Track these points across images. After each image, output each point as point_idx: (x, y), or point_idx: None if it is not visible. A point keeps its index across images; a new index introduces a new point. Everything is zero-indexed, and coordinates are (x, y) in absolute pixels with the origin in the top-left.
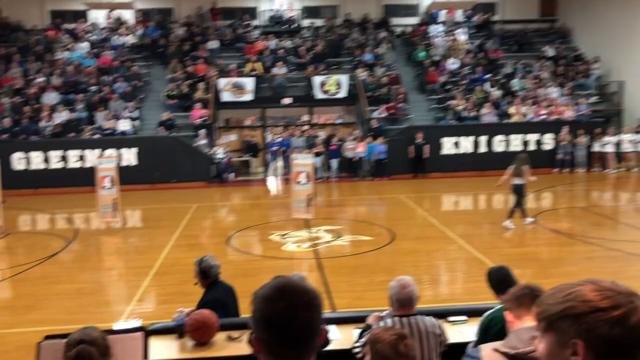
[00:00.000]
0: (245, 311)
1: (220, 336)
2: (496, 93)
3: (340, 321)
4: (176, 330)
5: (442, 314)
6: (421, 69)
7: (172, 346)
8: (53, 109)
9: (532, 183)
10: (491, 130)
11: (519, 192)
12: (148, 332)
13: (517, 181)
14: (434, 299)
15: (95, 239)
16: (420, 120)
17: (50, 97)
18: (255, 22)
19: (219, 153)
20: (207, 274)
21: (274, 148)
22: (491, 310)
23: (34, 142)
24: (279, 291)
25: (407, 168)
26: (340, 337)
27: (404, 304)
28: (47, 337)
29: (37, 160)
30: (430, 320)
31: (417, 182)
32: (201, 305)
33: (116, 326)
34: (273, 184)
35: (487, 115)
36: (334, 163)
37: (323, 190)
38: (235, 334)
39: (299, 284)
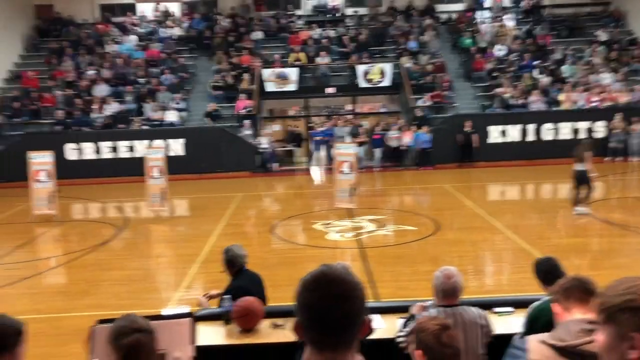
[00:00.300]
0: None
1: (266, 323)
2: (545, 80)
3: (383, 311)
4: (223, 316)
5: (488, 305)
6: (467, 56)
7: (219, 332)
8: (103, 101)
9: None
10: (540, 118)
11: (581, 178)
12: (196, 318)
13: (579, 167)
14: (479, 290)
15: (144, 227)
16: (466, 109)
17: (101, 90)
18: (299, 12)
19: (263, 143)
20: (233, 263)
21: (318, 138)
22: (538, 302)
23: (86, 133)
24: (316, 280)
25: (452, 157)
26: (383, 327)
27: (448, 294)
28: (100, 322)
29: (88, 150)
30: (475, 311)
31: (463, 172)
32: (225, 292)
33: (165, 312)
34: (316, 173)
35: (536, 102)
36: (378, 152)
37: (366, 179)
38: (279, 321)
39: (337, 273)
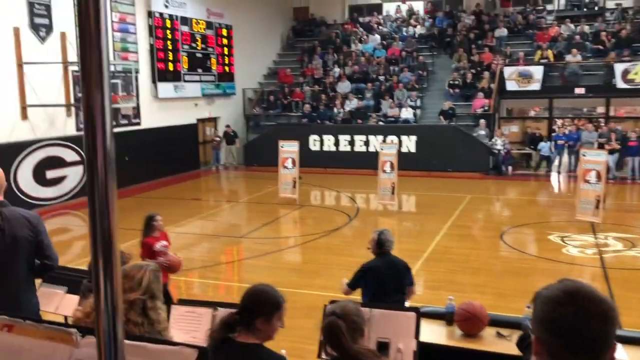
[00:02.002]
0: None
1: (489, 331)
2: None
3: (627, 340)
4: (446, 316)
5: None
6: None
7: (441, 331)
8: (345, 97)
9: None
10: None
11: None
12: (420, 314)
13: None
14: None
15: (373, 219)
16: None
17: (344, 86)
18: (549, 7)
19: (498, 144)
20: (381, 245)
21: (560, 141)
22: None
23: (327, 126)
24: (569, 295)
25: None
26: (625, 358)
27: None
28: (332, 302)
29: (328, 142)
30: None
31: None
32: (359, 269)
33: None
34: (556, 180)
35: None
36: (636, 162)
37: (616, 191)
38: (505, 331)
39: (593, 291)
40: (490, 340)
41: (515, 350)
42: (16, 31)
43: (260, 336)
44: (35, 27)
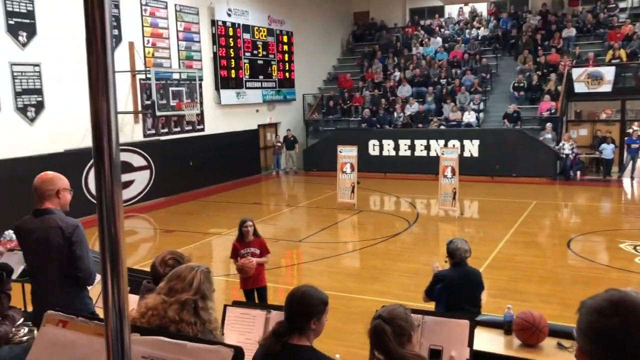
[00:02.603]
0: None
1: (550, 342)
2: None
3: None
4: (503, 325)
5: None
6: None
7: (498, 341)
8: (405, 101)
9: None
10: None
11: None
12: (475, 322)
13: None
14: None
15: (433, 225)
16: None
17: (404, 90)
18: (622, 4)
19: (566, 148)
20: (452, 255)
21: (635, 145)
22: None
23: (387, 131)
24: (613, 305)
25: None
26: None
27: None
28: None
29: (388, 147)
30: None
31: None
32: (434, 278)
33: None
34: (629, 185)
35: None
36: None
37: None
38: (566, 342)
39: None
40: (550, 352)
41: None
42: None
43: (311, 336)
44: None
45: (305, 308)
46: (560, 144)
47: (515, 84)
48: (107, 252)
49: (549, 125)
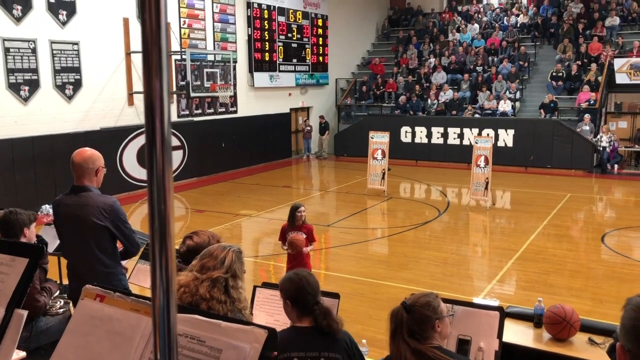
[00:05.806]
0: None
1: (581, 337)
2: None
3: None
4: (534, 318)
5: None
6: None
7: (528, 333)
8: (440, 88)
9: None
10: None
11: None
12: (505, 314)
13: None
14: None
15: (464, 214)
16: None
17: (439, 77)
18: None
19: (604, 141)
20: None
21: None
22: None
23: (420, 117)
24: None
25: None
26: None
27: None
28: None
29: (420, 134)
30: None
31: None
32: None
33: (476, 300)
34: None
35: None
36: None
37: None
38: (598, 338)
39: None
40: (580, 347)
41: (606, 359)
42: (125, 21)
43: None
44: None
45: (311, 291)
46: (598, 136)
47: (554, 74)
48: (156, 229)
49: (587, 116)
